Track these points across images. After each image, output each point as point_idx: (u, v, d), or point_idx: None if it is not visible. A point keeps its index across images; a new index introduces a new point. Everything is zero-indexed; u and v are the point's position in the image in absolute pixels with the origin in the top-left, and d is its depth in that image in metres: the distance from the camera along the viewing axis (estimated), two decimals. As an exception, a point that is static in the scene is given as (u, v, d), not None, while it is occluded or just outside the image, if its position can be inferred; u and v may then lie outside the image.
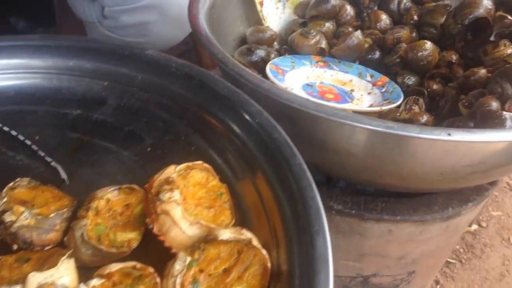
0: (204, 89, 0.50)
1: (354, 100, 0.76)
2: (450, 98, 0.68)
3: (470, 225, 1.68)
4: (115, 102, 0.53)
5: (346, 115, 0.54)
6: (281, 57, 0.81)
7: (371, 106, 0.74)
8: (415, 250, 0.76)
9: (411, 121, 0.65)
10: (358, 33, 0.81)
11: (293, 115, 0.59)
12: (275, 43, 0.88)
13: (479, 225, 1.71)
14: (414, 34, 0.86)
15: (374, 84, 0.80)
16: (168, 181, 0.41)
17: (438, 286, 1.52)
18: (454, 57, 0.79)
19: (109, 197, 0.43)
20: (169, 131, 0.51)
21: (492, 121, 0.56)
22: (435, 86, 0.77)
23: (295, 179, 0.40)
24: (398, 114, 0.68)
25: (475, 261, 1.61)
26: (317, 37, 0.82)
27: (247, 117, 0.46)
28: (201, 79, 0.50)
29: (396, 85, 0.78)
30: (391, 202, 0.72)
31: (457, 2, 0.90)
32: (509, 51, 0.66)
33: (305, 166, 0.41)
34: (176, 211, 0.40)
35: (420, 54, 0.78)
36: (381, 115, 0.70)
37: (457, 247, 1.63)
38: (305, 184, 0.39)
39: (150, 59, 0.53)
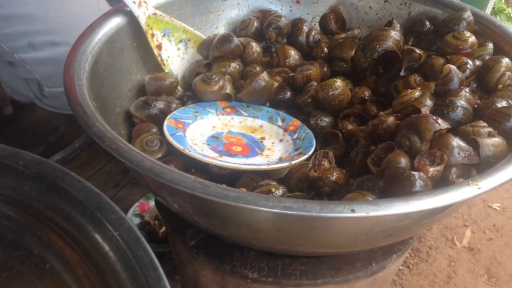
0: (58, 192, 0.41)
1: (264, 151, 0.70)
2: (361, 149, 0.62)
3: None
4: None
5: (238, 197, 0.47)
6: (183, 108, 0.74)
7: (280, 159, 0.67)
8: (343, 307, 0.70)
9: (320, 179, 0.59)
10: (265, 75, 0.74)
11: (183, 193, 0.52)
12: (179, 87, 0.80)
13: (423, 228, 1.70)
14: (325, 69, 0.81)
15: (285, 130, 0.74)
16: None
17: (388, 295, 1.49)
18: (366, 94, 0.75)
19: None
20: (19, 245, 0.42)
21: (401, 183, 0.51)
22: (349, 127, 0.72)
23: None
24: (308, 169, 0.62)
25: (422, 265, 1.60)
26: (221, 83, 0.75)
27: (107, 227, 0.38)
28: (53, 179, 0.42)
29: (308, 130, 0.72)
30: (311, 264, 0.66)
31: (368, 32, 0.86)
32: (416, 94, 0.61)
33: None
34: None
35: (331, 93, 0.72)
36: (291, 169, 0.64)
37: (404, 252, 1.61)
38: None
39: (-8, 156, 0.44)
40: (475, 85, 0.67)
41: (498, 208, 1.74)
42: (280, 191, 0.59)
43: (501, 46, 0.71)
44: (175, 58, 0.83)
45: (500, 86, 0.64)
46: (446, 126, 0.55)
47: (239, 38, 0.81)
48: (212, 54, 0.80)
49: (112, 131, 0.55)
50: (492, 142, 0.55)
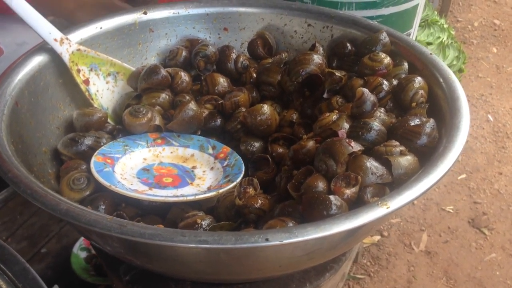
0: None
1: (195, 181, 0.70)
2: (284, 174, 0.64)
3: (372, 236, 1.69)
4: None
5: (154, 234, 0.47)
6: (112, 142, 0.73)
7: (210, 187, 0.68)
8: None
9: (245, 207, 0.60)
10: (192, 104, 0.75)
11: (103, 234, 0.52)
12: (110, 121, 0.80)
13: (381, 235, 1.73)
14: (254, 94, 0.82)
15: (216, 157, 0.75)
16: None
17: (350, 305, 1.51)
18: (294, 116, 0.77)
19: None
20: None
21: (317, 207, 0.52)
22: (279, 150, 0.73)
23: None
24: (234, 197, 0.62)
25: (383, 273, 1.62)
26: (149, 115, 0.75)
27: (12, 279, 0.37)
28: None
29: (238, 157, 0.73)
30: (245, 289, 0.66)
31: (295, 55, 0.88)
32: (334, 117, 0.64)
33: None
34: None
35: (259, 118, 0.74)
36: (219, 198, 0.65)
37: (364, 261, 1.64)
38: None
39: None
40: (391, 104, 0.70)
41: (452, 211, 1.79)
42: (206, 222, 0.59)
43: (415, 65, 0.74)
44: (105, 92, 0.82)
45: (413, 104, 0.67)
46: (359, 148, 0.57)
47: (167, 68, 0.81)
48: (141, 86, 0.80)
49: (29, 175, 0.55)
50: (403, 161, 0.57)
